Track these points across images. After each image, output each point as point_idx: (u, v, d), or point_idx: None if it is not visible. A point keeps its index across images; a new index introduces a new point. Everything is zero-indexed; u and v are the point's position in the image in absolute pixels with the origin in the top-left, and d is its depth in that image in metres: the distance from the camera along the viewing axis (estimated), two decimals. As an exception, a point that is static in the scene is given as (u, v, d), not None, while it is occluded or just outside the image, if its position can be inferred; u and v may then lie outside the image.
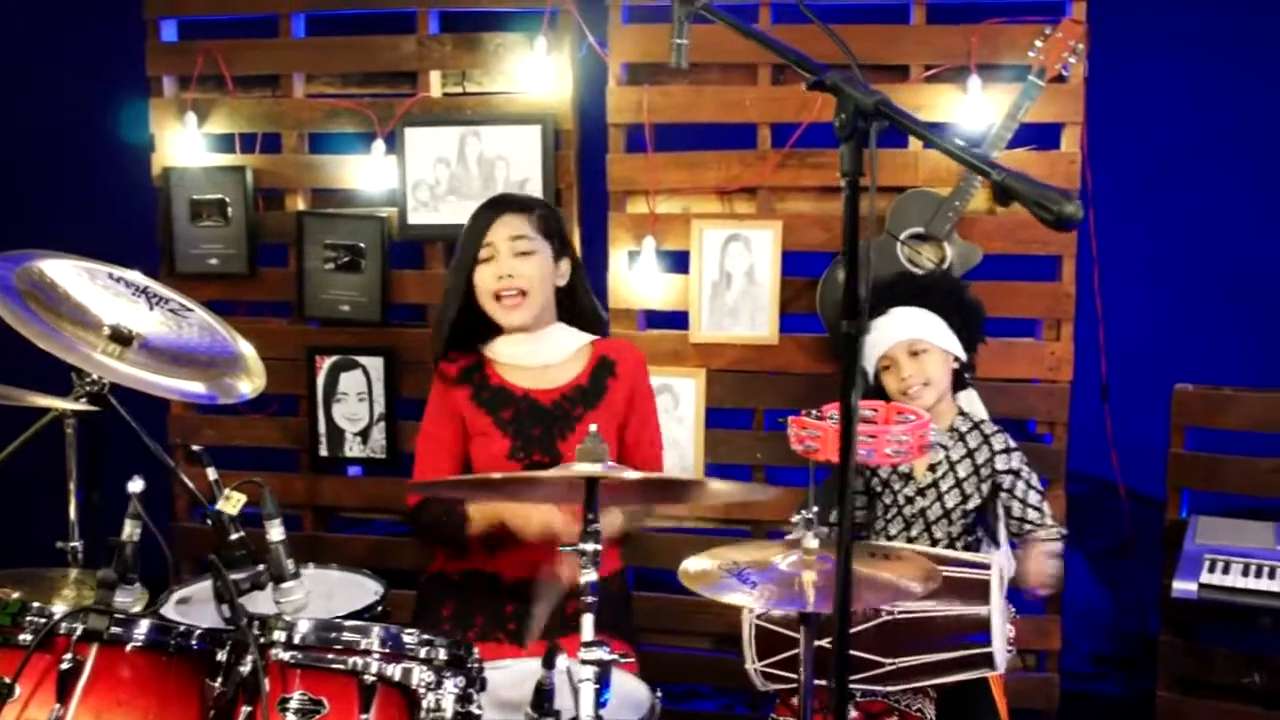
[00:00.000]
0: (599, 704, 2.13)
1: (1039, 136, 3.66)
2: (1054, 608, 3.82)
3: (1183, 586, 3.33)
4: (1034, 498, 3.15)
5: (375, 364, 4.03)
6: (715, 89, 3.82)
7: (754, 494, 2.46)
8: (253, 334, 3.93)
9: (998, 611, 2.74)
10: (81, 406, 2.84)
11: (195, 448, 2.55)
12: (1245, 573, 3.31)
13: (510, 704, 2.40)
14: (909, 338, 3.12)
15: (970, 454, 3.15)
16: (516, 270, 3.00)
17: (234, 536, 2.34)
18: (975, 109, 3.64)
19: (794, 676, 2.65)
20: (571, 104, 3.90)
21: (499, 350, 3.09)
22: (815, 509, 2.38)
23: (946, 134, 3.60)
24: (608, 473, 2.21)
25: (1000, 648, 2.73)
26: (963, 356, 3.17)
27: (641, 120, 3.83)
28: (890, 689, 2.80)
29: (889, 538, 3.15)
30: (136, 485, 2.33)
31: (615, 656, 2.16)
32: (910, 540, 3.11)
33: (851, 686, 2.81)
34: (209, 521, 2.35)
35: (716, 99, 3.82)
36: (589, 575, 2.18)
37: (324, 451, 4.10)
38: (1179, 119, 4.04)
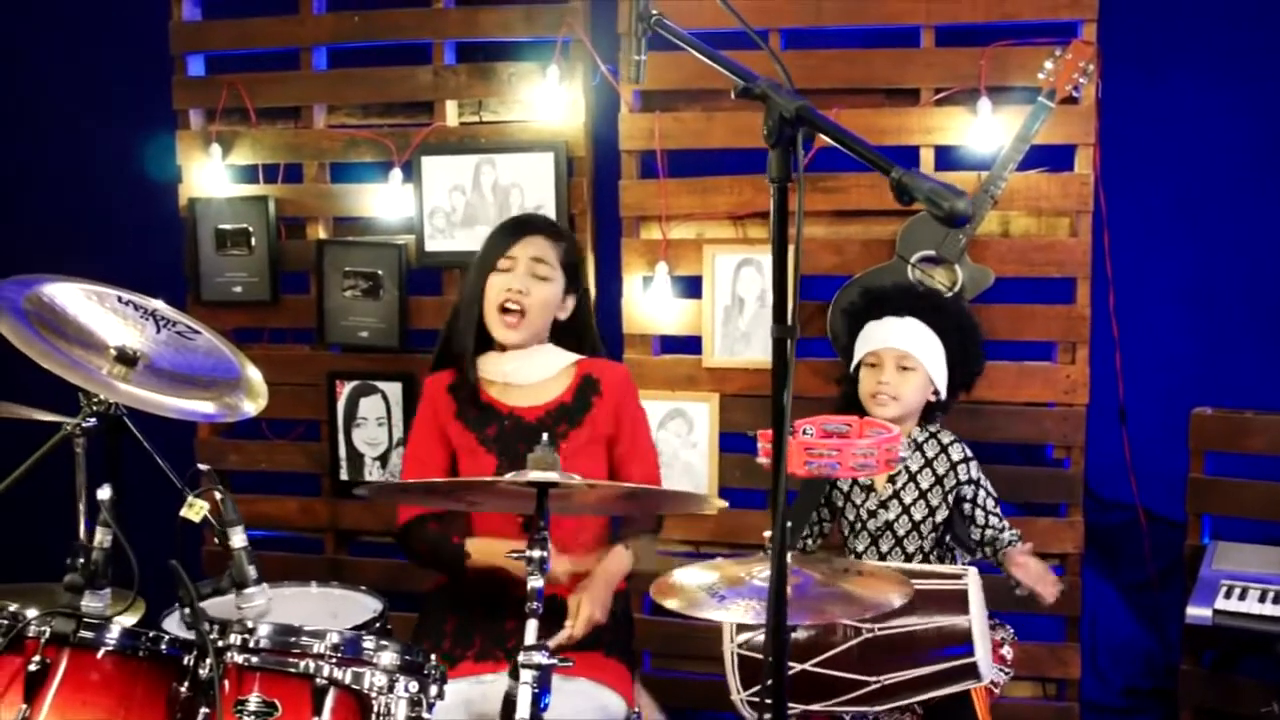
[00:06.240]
0: (540, 707, 2.16)
1: (1052, 158, 3.64)
2: (1073, 635, 3.75)
3: (1197, 612, 3.28)
4: (992, 504, 3.15)
5: (394, 389, 4.08)
6: (727, 114, 3.83)
7: (708, 506, 2.50)
8: (276, 360, 4.09)
9: (978, 620, 2.71)
10: (89, 425, 2.89)
11: (202, 467, 2.59)
12: (1262, 599, 3.25)
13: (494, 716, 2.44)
14: (902, 349, 3.11)
15: (929, 463, 3.14)
16: (527, 287, 3.06)
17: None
18: (985, 131, 3.63)
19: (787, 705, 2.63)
20: (585, 131, 3.94)
21: (486, 368, 3.14)
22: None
23: (955, 154, 3.67)
24: (560, 479, 2.28)
25: (984, 657, 2.71)
26: (942, 391, 3.17)
27: (654, 147, 3.87)
28: (877, 708, 2.77)
29: (857, 554, 3.13)
30: (105, 493, 2.39)
31: (554, 661, 2.19)
32: (881, 556, 3.09)
33: (839, 708, 2.79)
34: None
35: (728, 124, 3.84)
36: (535, 581, 2.23)
37: (344, 475, 4.15)
38: (1196, 140, 3.99)
